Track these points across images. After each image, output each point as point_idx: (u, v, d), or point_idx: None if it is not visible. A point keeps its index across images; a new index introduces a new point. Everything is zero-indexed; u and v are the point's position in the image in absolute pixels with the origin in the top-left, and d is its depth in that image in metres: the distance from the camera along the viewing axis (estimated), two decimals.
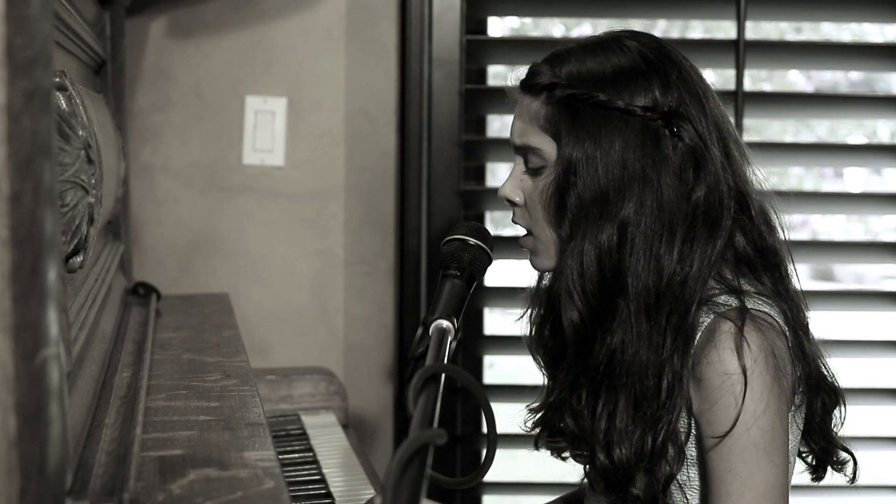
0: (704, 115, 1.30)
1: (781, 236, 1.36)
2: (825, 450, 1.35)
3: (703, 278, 1.26)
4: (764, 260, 1.32)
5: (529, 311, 1.46)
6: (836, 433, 1.35)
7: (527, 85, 1.34)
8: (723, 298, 1.26)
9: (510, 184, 1.35)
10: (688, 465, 1.27)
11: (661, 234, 1.25)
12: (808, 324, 1.33)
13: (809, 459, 1.36)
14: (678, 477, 1.26)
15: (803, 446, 1.35)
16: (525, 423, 1.47)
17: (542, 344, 1.44)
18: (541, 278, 1.45)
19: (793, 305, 1.31)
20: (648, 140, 1.26)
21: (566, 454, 1.46)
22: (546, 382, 1.46)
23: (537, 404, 1.45)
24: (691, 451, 1.27)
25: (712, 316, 1.25)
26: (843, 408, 1.35)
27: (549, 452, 1.47)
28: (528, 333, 1.46)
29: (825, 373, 1.33)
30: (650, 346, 1.24)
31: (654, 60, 1.30)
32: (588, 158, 1.26)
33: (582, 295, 1.27)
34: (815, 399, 1.31)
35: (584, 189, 1.26)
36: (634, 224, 1.25)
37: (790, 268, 1.35)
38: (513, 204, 1.36)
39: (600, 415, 1.27)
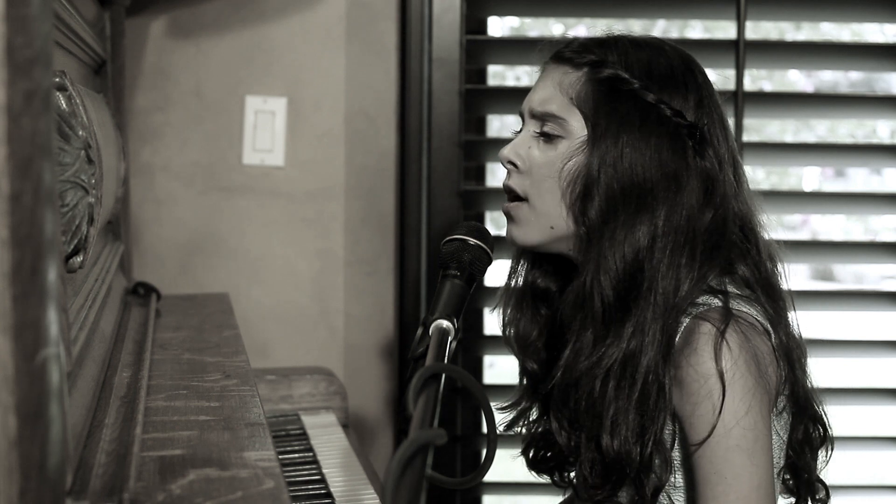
0: (726, 142, 1.32)
1: (785, 284, 1.35)
2: (807, 480, 1.34)
3: (692, 295, 1.25)
4: (764, 289, 1.31)
5: (504, 308, 1.45)
6: (819, 469, 1.35)
7: (567, 56, 1.33)
8: (702, 299, 1.26)
9: (515, 146, 1.34)
10: (674, 470, 1.27)
11: (685, 246, 1.26)
12: (805, 361, 1.32)
13: (791, 486, 1.36)
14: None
15: (788, 474, 1.34)
16: (499, 425, 1.46)
17: (525, 340, 1.43)
18: (511, 276, 1.44)
19: (793, 343, 1.29)
20: (679, 146, 1.27)
21: (546, 473, 1.46)
22: (521, 382, 1.45)
23: (513, 401, 1.45)
24: (676, 453, 1.27)
25: (690, 317, 1.24)
26: (830, 450, 1.34)
27: (525, 462, 1.47)
28: (507, 332, 1.45)
29: (816, 407, 1.32)
30: (657, 350, 1.24)
31: (696, 76, 1.32)
32: (629, 147, 1.26)
33: (616, 277, 1.26)
34: (798, 420, 1.30)
35: (621, 177, 1.26)
36: (665, 230, 1.25)
37: (791, 315, 1.34)
38: (513, 167, 1.35)
39: (608, 407, 1.26)
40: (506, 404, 1.46)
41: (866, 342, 2.29)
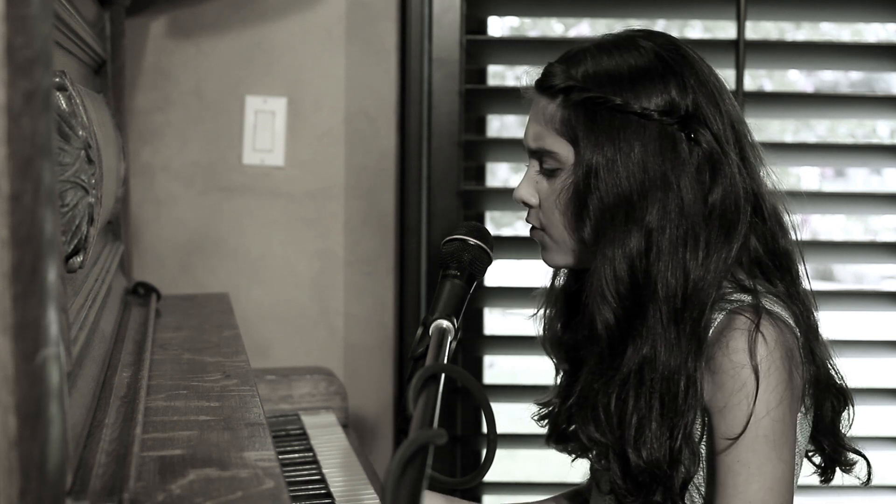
0: (721, 116, 1.29)
1: (793, 236, 1.35)
2: (835, 451, 1.34)
3: (717, 281, 1.25)
4: (776, 262, 1.32)
5: (544, 309, 1.45)
6: (846, 435, 1.35)
7: (543, 86, 1.32)
8: (735, 296, 1.26)
9: (525, 185, 1.35)
10: (702, 463, 1.27)
11: (686, 240, 1.25)
12: (817, 326, 1.32)
13: (818, 461, 1.35)
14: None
15: (813, 448, 1.34)
16: (532, 416, 1.46)
17: (557, 342, 1.43)
18: (555, 277, 1.45)
19: (803, 308, 1.30)
20: (666, 144, 1.26)
21: (575, 454, 1.46)
22: (558, 380, 1.45)
23: (547, 399, 1.45)
24: (702, 446, 1.27)
25: (724, 313, 1.24)
26: (851, 409, 1.34)
27: (555, 449, 1.47)
28: (542, 332, 1.46)
29: (833, 374, 1.32)
30: (675, 350, 1.24)
31: (671, 61, 1.29)
32: (609, 162, 1.26)
33: (616, 298, 1.26)
34: (824, 402, 1.30)
35: (606, 193, 1.26)
36: (659, 230, 1.25)
37: (801, 269, 1.35)
38: (528, 206, 1.36)
39: (629, 421, 1.26)
40: (541, 403, 1.46)
41: (866, 342, 2.29)
